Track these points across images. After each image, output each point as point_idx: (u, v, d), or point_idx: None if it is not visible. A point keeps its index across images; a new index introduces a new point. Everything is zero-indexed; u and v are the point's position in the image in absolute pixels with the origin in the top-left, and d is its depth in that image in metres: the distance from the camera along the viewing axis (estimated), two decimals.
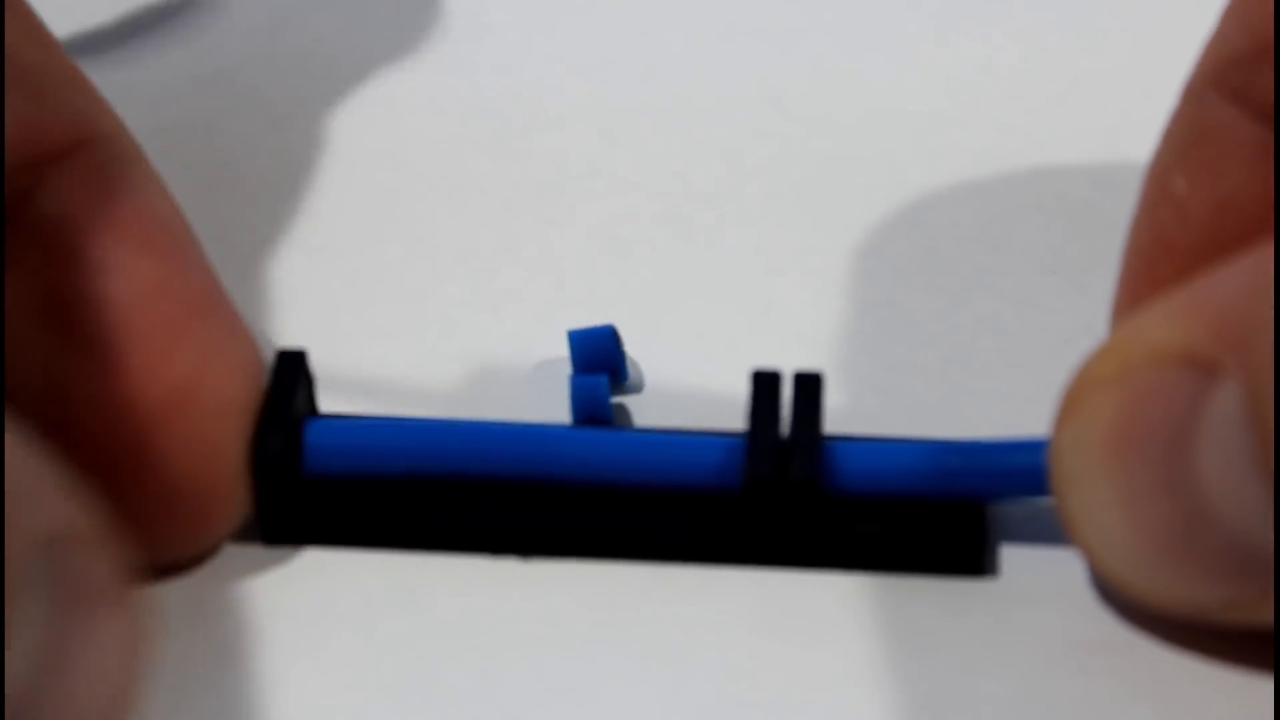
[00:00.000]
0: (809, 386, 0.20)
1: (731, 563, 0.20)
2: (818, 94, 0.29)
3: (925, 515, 0.20)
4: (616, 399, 0.23)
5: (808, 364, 0.23)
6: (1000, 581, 0.20)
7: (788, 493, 0.20)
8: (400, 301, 0.25)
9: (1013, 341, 0.24)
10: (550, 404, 0.23)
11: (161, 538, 0.20)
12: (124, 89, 0.29)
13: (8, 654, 0.15)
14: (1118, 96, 0.28)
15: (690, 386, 0.23)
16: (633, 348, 0.24)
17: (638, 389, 0.23)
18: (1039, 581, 0.20)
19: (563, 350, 0.24)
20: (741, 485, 0.20)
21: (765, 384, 0.20)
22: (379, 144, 0.28)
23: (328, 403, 0.22)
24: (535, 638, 0.19)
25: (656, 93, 0.29)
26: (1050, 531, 0.20)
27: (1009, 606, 0.20)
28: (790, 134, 0.28)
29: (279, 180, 0.27)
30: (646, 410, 0.23)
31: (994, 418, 0.22)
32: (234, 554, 0.21)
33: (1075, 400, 0.18)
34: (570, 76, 0.29)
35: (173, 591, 0.20)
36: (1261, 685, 0.18)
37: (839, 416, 0.22)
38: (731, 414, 0.21)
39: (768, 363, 0.21)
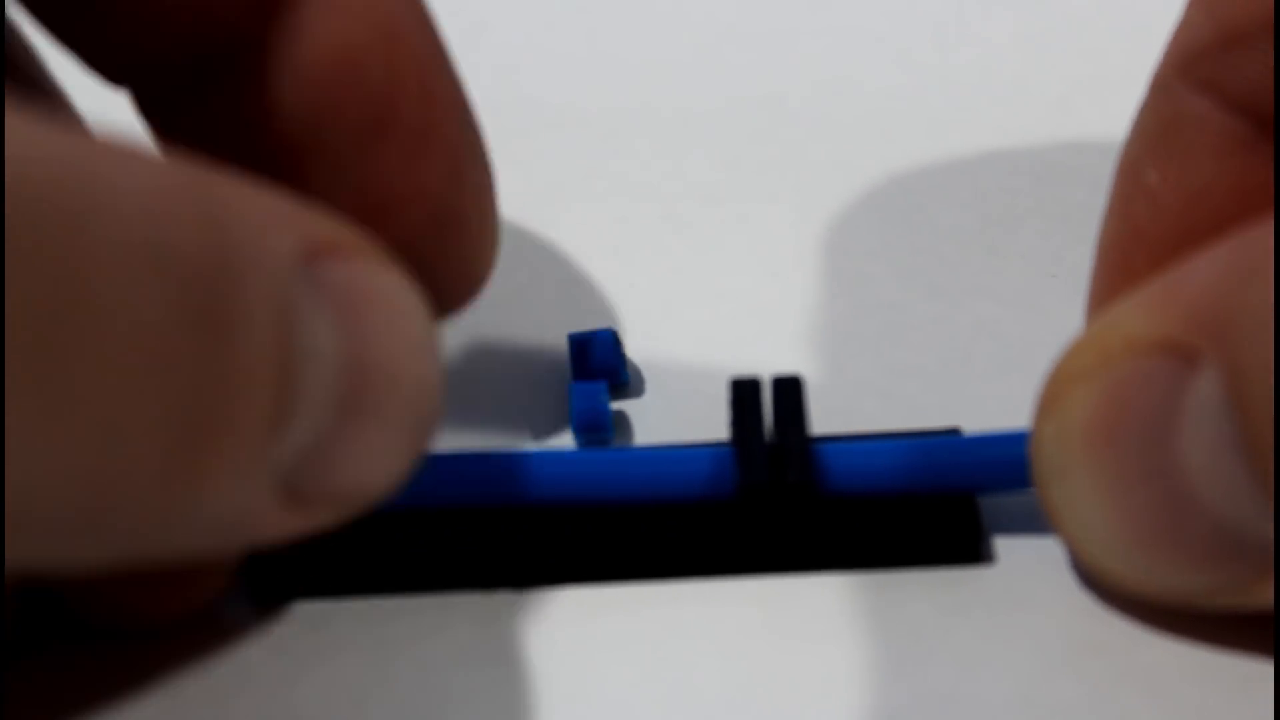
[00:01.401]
0: (789, 389, 0.20)
1: (729, 573, 0.20)
2: (818, 97, 0.29)
3: (918, 507, 0.20)
4: (616, 404, 0.23)
5: (808, 367, 0.24)
6: (997, 569, 0.20)
7: (784, 496, 0.20)
8: None
9: (1012, 344, 0.24)
10: (550, 409, 0.23)
11: (150, 604, 0.19)
12: None
13: (313, 364, 0.16)
14: (1117, 101, 0.28)
15: (690, 389, 0.23)
16: (633, 350, 0.24)
17: (638, 393, 0.24)
18: (1035, 568, 0.20)
19: (563, 353, 0.24)
20: (736, 492, 0.20)
21: (745, 391, 0.20)
22: None
23: None
24: (537, 666, 0.19)
25: (657, 95, 0.29)
26: (1044, 520, 0.20)
27: (1007, 593, 0.20)
28: (790, 137, 0.28)
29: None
30: (646, 414, 0.23)
31: (994, 421, 0.22)
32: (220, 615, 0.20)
33: (1055, 393, 0.18)
34: (570, 78, 0.29)
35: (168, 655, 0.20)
36: (1254, 666, 0.18)
37: (838, 419, 0.22)
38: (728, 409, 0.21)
39: (768, 366, 0.21)
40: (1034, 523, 0.20)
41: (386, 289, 0.17)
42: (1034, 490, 0.19)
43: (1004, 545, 0.20)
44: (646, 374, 0.24)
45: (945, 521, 0.20)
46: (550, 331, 0.24)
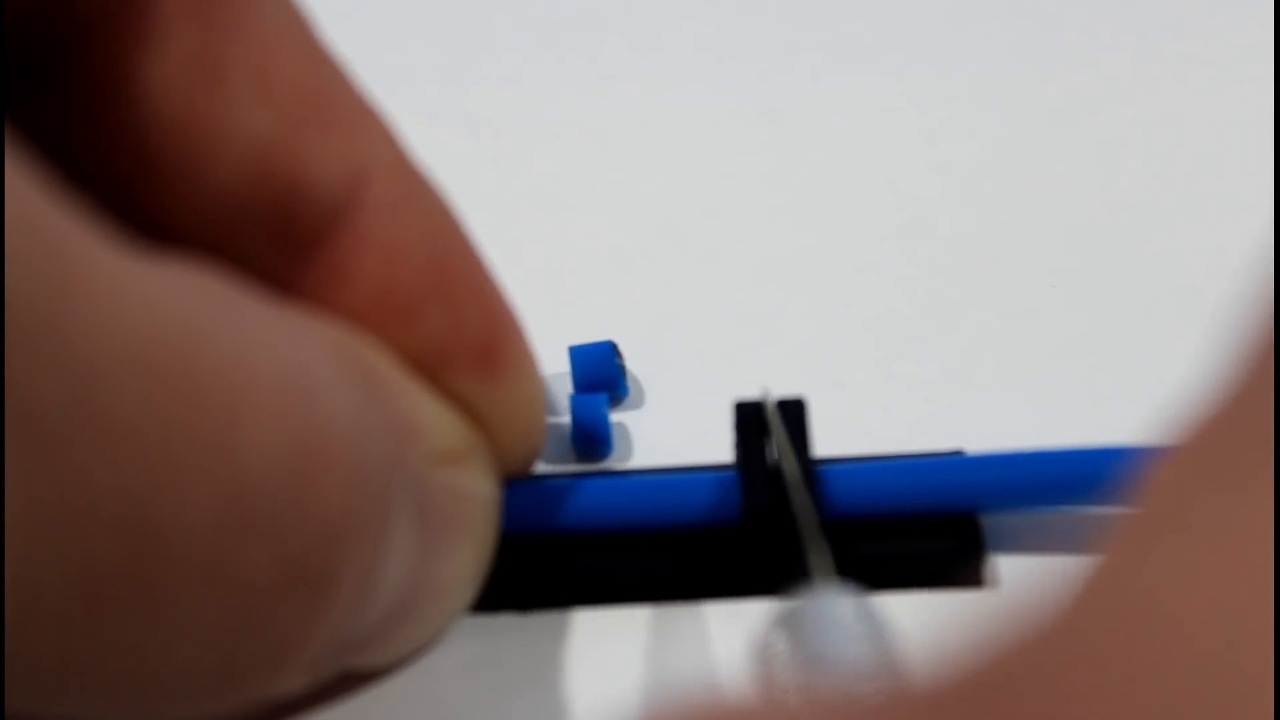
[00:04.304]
0: (794, 412, 0.20)
1: (732, 597, 0.20)
2: (817, 109, 0.29)
3: (921, 531, 0.20)
4: (616, 416, 0.23)
5: (807, 378, 0.23)
6: (999, 594, 0.20)
7: (787, 522, 0.19)
8: None
9: (1012, 354, 0.24)
10: (550, 421, 0.23)
11: None
12: None
13: (385, 580, 0.16)
14: (1117, 111, 0.28)
15: (690, 401, 0.23)
16: (632, 362, 0.24)
17: (637, 405, 0.23)
18: (1036, 588, 0.20)
19: (563, 365, 0.24)
20: (740, 518, 0.20)
21: (748, 414, 0.20)
22: None
23: None
24: (537, 687, 0.19)
25: (656, 107, 0.29)
26: (1045, 541, 0.20)
27: (1007, 612, 0.20)
28: (789, 148, 0.28)
29: None
30: (646, 426, 0.23)
31: (994, 430, 0.22)
32: None
33: None
34: (570, 91, 0.29)
35: None
36: None
37: (838, 430, 0.22)
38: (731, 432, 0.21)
39: (766, 377, 0.21)
40: (1036, 542, 0.20)
41: (477, 494, 0.18)
42: (1036, 510, 0.19)
43: (1006, 564, 0.20)
44: (646, 386, 0.24)
45: (948, 545, 0.20)
46: (550, 347, 0.24)
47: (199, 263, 0.15)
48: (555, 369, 0.24)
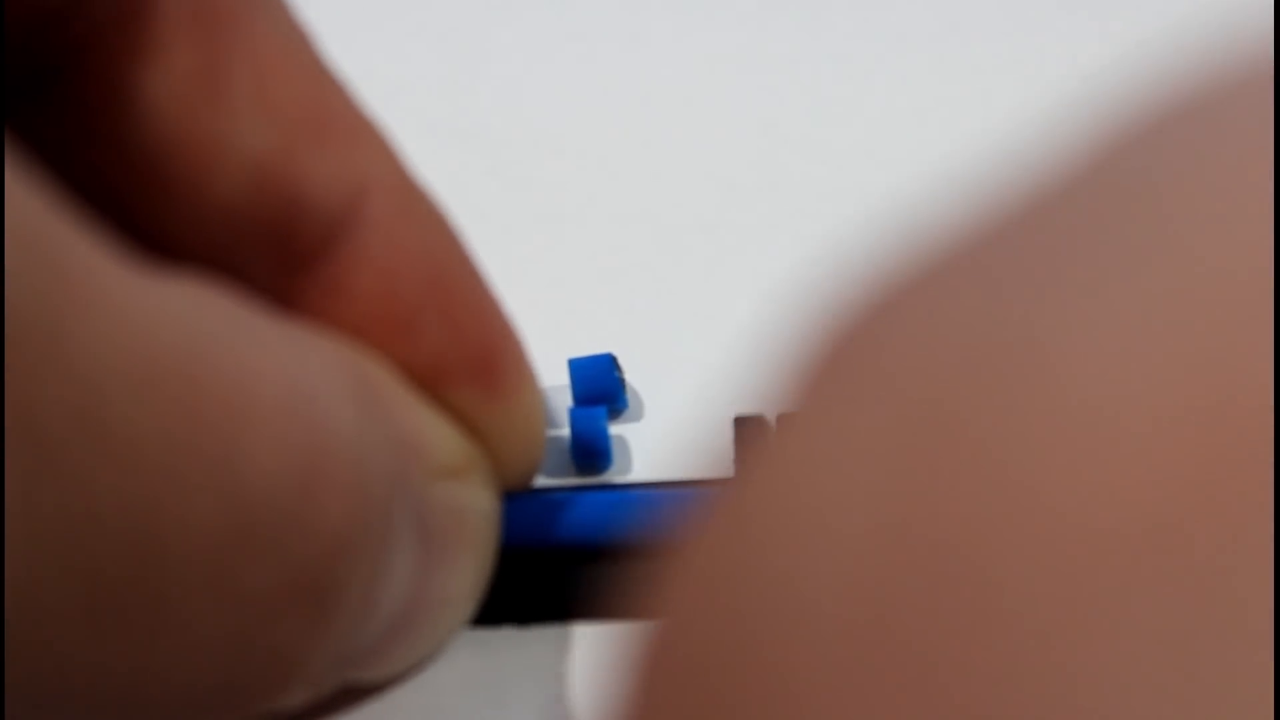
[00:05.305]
0: None
1: None
2: (815, 122, 0.29)
3: None
4: (615, 429, 0.23)
5: None
6: None
7: None
8: None
9: None
10: (549, 434, 0.23)
11: None
12: None
13: (386, 595, 0.16)
14: (1117, 116, 0.28)
15: (689, 415, 0.23)
16: (632, 375, 0.24)
17: (637, 417, 0.23)
18: None
19: (563, 378, 0.24)
20: None
21: (750, 428, 0.20)
22: None
23: None
24: (537, 700, 0.19)
25: (655, 121, 0.29)
26: None
27: None
28: (788, 162, 0.28)
29: None
30: (645, 439, 0.23)
31: None
32: None
33: None
34: (570, 105, 0.29)
35: None
36: None
37: None
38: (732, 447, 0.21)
39: (768, 390, 0.21)
40: None
41: (477, 508, 0.18)
42: None
43: None
44: (645, 399, 0.24)
45: None
46: (550, 359, 0.24)
47: (202, 278, 0.15)
48: (554, 382, 0.24)
